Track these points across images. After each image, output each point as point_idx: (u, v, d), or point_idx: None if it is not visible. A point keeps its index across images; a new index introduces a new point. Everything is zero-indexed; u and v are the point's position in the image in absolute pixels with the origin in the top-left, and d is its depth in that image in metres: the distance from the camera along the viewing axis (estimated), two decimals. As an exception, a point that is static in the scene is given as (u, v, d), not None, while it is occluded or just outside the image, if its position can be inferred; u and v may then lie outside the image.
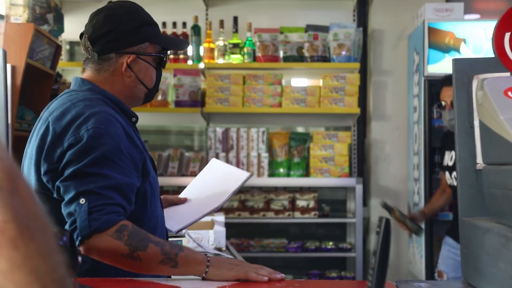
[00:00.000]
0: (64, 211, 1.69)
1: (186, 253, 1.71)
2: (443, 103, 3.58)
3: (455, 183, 3.57)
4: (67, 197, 1.68)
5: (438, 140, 4.42)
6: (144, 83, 1.93)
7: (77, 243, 1.65)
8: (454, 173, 3.58)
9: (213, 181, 2.35)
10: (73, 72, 5.17)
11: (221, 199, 2.17)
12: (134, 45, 1.89)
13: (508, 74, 1.55)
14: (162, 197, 2.15)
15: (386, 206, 3.90)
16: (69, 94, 1.86)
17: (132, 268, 1.69)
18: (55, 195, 1.73)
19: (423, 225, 4.15)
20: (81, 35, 1.91)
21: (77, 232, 1.64)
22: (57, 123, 1.75)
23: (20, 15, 3.57)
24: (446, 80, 3.58)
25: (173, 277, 1.85)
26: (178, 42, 2.11)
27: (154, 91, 2.00)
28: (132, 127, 1.91)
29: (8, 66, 3.08)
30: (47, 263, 0.86)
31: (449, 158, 3.68)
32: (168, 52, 2.05)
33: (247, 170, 4.76)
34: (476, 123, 1.55)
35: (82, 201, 1.65)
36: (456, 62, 1.64)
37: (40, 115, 1.89)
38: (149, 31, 1.93)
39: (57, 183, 1.70)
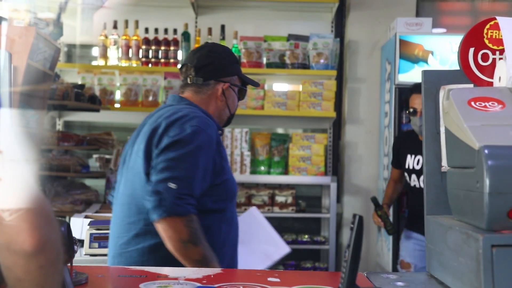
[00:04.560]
0: (150, 186, 1.88)
1: (211, 258, 1.91)
2: (411, 109, 3.58)
3: (420, 185, 3.62)
4: (159, 176, 1.88)
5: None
6: (230, 108, 2.20)
7: (155, 216, 1.86)
8: (422, 177, 3.62)
9: (253, 238, 2.35)
10: (70, 72, 5.14)
11: (261, 265, 2.30)
12: (228, 76, 2.18)
13: (472, 85, 1.58)
14: None
15: (375, 201, 3.84)
16: (173, 107, 2.10)
17: (177, 251, 1.88)
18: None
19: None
20: (182, 66, 2.20)
21: (161, 209, 1.85)
22: (167, 119, 1.99)
23: (22, 19, 3.54)
24: (415, 88, 3.57)
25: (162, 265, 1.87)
26: (254, 81, 2.35)
27: (232, 117, 2.27)
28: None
29: (10, 66, 3.06)
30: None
31: (415, 162, 3.68)
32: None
33: (231, 168, 4.75)
34: (442, 130, 1.57)
35: (171, 185, 1.86)
36: (425, 73, 1.66)
37: (144, 121, 2.14)
38: (238, 68, 2.24)
39: (154, 161, 1.91)
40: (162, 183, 1.87)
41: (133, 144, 2.09)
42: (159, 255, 1.92)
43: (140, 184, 1.96)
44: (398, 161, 3.88)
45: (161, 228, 1.88)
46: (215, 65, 2.15)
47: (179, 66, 4.85)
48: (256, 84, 2.33)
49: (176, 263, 1.89)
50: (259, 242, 2.35)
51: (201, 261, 1.87)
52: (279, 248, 2.33)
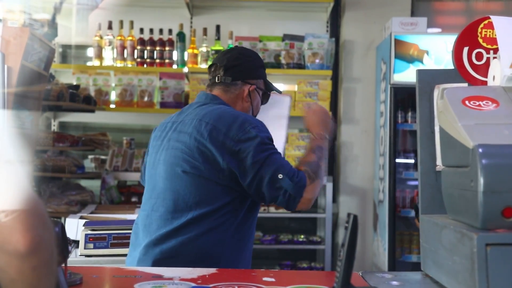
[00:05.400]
0: (270, 187, 1.97)
1: (320, 153, 2.13)
2: None
3: None
4: (266, 178, 1.96)
5: (402, 143, 4.47)
6: (253, 110, 2.26)
7: (295, 205, 1.98)
8: None
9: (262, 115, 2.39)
10: (65, 73, 5.13)
11: (283, 128, 2.40)
12: (254, 79, 2.24)
13: (466, 84, 1.58)
14: None
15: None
16: (209, 105, 2.14)
17: (320, 187, 2.07)
18: (220, 178, 1.99)
19: None
20: (211, 66, 2.25)
21: (292, 198, 1.97)
22: (219, 123, 2.02)
23: (17, 19, 3.53)
24: None
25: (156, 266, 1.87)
26: (278, 88, 2.40)
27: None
28: None
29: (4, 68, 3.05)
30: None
31: None
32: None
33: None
34: (437, 129, 1.58)
35: (280, 176, 1.96)
36: (419, 72, 1.66)
37: (177, 118, 2.16)
38: (264, 72, 2.30)
39: (252, 173, 1.97)
40: (275, 182, 1.96)
41: (168, 140, 2.11)
42: (197, 245, 1.96)
43: (193, 183, 2.00)
44: None
45: (306, 203, 2.00)
46: (244, 67, 2.23)
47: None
48: (279, 91, 2.39)
49: (211, 252, 1.96)
50: (266, 114, 2.41)
51: (324, 162, 2.11)
52: (282, 102, 2.40)
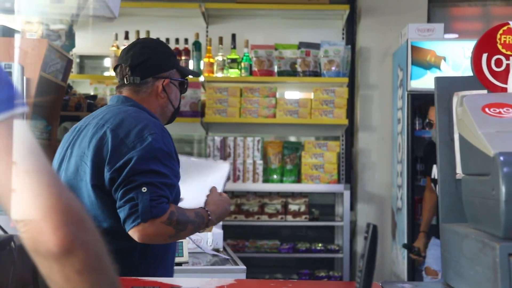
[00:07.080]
0: (123, 196, 1.79)
1: (199, 221, 1.94)
2: (427, 121, 3.71)
3: None
4: (129, 186, 1.79)
5: (420, 150, 4.43)
6: (173, 104, 2.11)
7: (131, 225, 1.78)
8: None
9: (196, 178, 2.26)
10: (83, 84, 5.17)
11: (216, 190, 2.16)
12: (166, 71, 2.08)
13: (485, 91, 1.57)
14: None
15: (406, 247, 4.20)
16: (118, 108, 2.00)
17: (169, 240, 1.89)
18: (112, 188, 1.83)
19: None
20: (116, 67, 2.08)
21: (136, 215, 1.77)
22: (118, 128, 1.88)
23: (35, 31, 3.57)
24: (433, 99, 3.67)
25: (175, 274, 1.86)
26: (193, 72, 2.28)
27: (178, 111, 2.18)
28: None
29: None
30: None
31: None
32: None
33: (243, 177, 4.75)
34: (456, 137, 1.56)
35: (144, 189, 1.78)
36: (438, 80, 1.65)
37: (84, 122, 2.01)
38: (175, 61, 2.14)
39: (122, 175, 1.80)
40: (134, 191, 1.78)
41: (72, 146, 1.97)
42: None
43: (87, 193, 1.86)
44: (427, 170, 3.94)
45: (145, 236, 1.78)
46: (151, 62, 2.05)
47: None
48: (196, 74, 2.24)
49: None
50: (205, 179, 2.26)
51: (194, 231, 1.95)
52: (221, 169, 2.25)
